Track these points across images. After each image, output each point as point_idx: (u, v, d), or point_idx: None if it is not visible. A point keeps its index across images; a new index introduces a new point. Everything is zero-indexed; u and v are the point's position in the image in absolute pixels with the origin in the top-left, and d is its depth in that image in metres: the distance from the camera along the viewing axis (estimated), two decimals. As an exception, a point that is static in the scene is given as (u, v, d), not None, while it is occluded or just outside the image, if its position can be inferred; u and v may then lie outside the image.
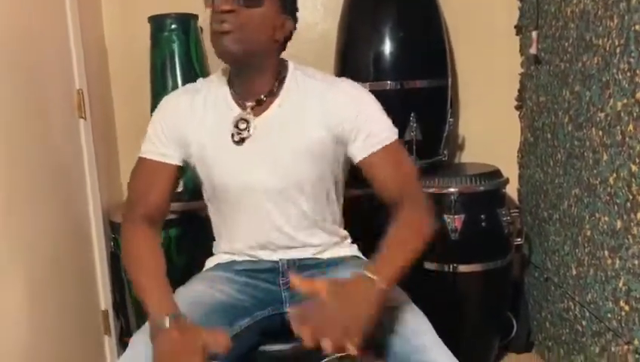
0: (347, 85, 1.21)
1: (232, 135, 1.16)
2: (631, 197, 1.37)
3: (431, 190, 1.80)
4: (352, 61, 1.88)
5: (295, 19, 1.20)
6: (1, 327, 1.29)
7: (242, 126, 1.16)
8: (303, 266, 1.23)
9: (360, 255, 1.30)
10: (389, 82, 1.78)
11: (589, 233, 1.60)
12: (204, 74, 1.86)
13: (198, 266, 1.32)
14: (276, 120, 1.17)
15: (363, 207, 1.74)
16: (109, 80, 2.11)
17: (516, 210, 1.97)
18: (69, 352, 1.61)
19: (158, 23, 1.86)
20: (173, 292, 1.10)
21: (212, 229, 1.31)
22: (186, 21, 1.86)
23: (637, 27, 1.32)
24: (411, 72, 1.79)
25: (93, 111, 1.83)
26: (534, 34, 1.90)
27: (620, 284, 1.43)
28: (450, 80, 1.90)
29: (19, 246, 1.38)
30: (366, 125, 1.15)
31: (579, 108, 1.64)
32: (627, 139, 1.38)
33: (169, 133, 1.18)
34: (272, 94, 1.18)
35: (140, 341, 1.02)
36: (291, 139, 1.16)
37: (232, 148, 1.16)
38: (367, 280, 0.96)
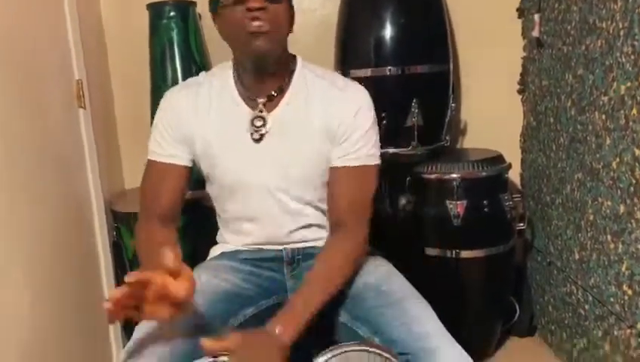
0: (354, 93, 1.19)
1: (251, 133, 1.15)
2: (634, 181, 1.36)
3: (433, 176, 1.79)
4: (352, 47, 1.86)
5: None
6: (5, 318, 1.30)
7: (259, 123, 1.15)
8: (307, 255, 1.23)
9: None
10: (390, 68, 1.77)
11: (591, 217, 1.59)
12: (204, 61, 1.85)
13: (203, 254, 1.33)
14: (285, 118, 1.16)
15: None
16: (108, 69, 2.10)
17: (519, 195, 1.96)
18: (74, 341, 1.62)
19: (156, 10, 1.85)
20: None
21: (216, 218, 1.31)
22: (185, 8, 1.85)
23: (641, 9, 1.31)
24: (412, 57, 1.78)
25: (93, 100, 1.82)
26: (537, 17, 1.88)
27: (623, 268, 1.43)
28: (451, 65, 1.88)
29: (21, 238, 1.38)
30: (354, 138, 1.14)
31: (582, 92, 1.63)
32: (631, 123, 1.37)
33: (173, 134, 1.18)
34: (282, 91, 1.17)
35: (145, 328, 1.02)
36: (298, 138, 1.15)
37: (244, 146, 1.16)
38: (271, 339, 0.95)
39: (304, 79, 1.18)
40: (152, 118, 1.25)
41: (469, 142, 2.13)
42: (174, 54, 1.84)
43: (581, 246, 1.67)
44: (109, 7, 2.06)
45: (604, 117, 1.50)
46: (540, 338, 2.03)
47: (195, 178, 1.26)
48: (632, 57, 1.35)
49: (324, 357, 0.94)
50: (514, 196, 1.88)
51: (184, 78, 1.72)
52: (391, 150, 1.76)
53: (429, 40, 1.84)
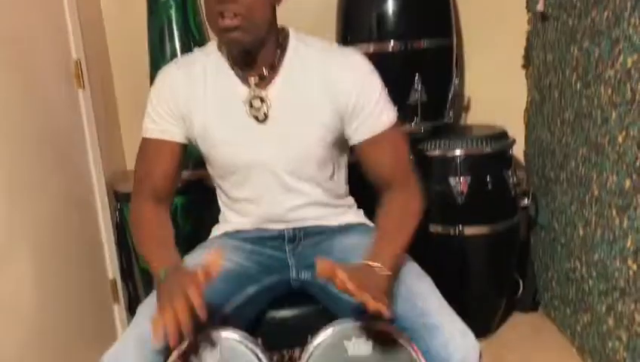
0: (351, 58, 1.15)
1: (248, 113, 1.13)
2: (640, 155, 1.35)
3: (436, 153, 1.78)
4: (354, 21, 1.83)
5: None
6: (11, 300, 1.31)
7: (255, 102, 1.13)
8: (308, 233, 1.23)
9: (366, 221, 1.29)
10: (392, 42, 1.74)
11: (596, 193, 1.58)
12: (203, 39, 1.83)
13: (205, 233, 1.32)
14: (281, 95, 1.14)
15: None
16: (107, 49, 2.08)
17: (523, 171, 1.95)
18: (79, 321, 1.63)
19: (154, -12, 1.81)
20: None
21: (217, 198, 1.30)
22: (183, -15, 1.81)
23: (649, -21, 1.28)
24: (415, 32, 1.75)
25: (92, 81, 1.81)
26: (541, -11, 1.84)
27: (628, 244, 1.42)
28: (455, 39, 1.86)
29: (23, 220, 1.38)
30: (366, 106, 1.12)
31: (587, 66, 1.60)
32: (637, 96, 1.35)
33: (168, 110, 1.15)
34: (274, 68, 1.14)
35: (149, 303, 1.02)
36: (298, 114, 1.13)
37: (242, 126, 1.14)
38: (374, 270, 0.97)
39: (298, 53, 1.15)
40: (152, 97, 1.23)
41: (472, 118, 2.11)
42: (173, 33, 1.81)
43: (585, 222, 1.66)
44: (107, -15, 2.03)
45: (610, 91, 1.48)
46: (544, 313, 2.04)
47: (196, 157, 1.25)
48: (640, 29, 1.33)
49: (326, 333, 0.94)
50: (518, 172, 1.87)
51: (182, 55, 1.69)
52: (394, 127, 1.75)
53: (432, 14, 1.81)
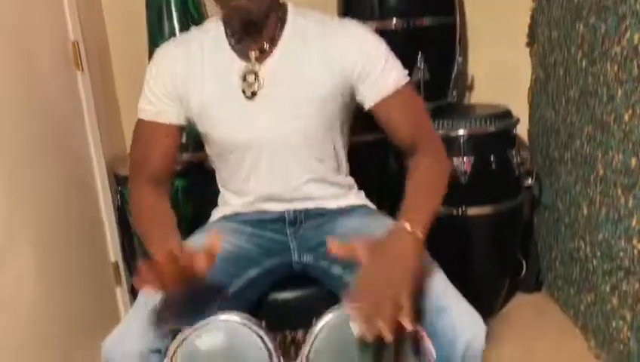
0: (349, 26, 1.14)
1: (243, 90, 1.11)
2: (647, 133, 1.33)
3: (439, 132, 1.76)
4: (356, -1, 1.80)
5: None
6: (12, 285, 1.30)
7: (251, 79, 1.11)
8: (309, 215, 1.21)
9: (368, 203, 1.28)
10: (394, 20, 1.71)
11: (601, 172, 1.57)
12: (201, 18, 1.80)
13: (205, 216, 1.31)
14: (279, 69, 1.12)
15: (371, 154, 1.72)
16: (105, 30, 2.05)
17: (527, 151, 1.93)
18: (82, 305, 1.63)
19: (151, -34, 1.78)
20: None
21: (217, 180, 1.29)
22: (181, -37, 1.78)
23: (658, -48, 1.25)
24: (418, 10, 1.72)
25: (90, 62, 1.78)
26: (547, -36, 1.81)
27: (634, 223, 1.41)
28: (458, 17, 1.83)
29: (24, 205, 1.37)
30: (374, 69, 1.10)
31: (593, 43, 1.57)
32: (644, 73, 1.33)
33: (165, 91, 1.13)
34: (274, 42, 1.13)
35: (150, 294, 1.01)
36: (296, 89, 1.11)
37: (239, 102, 1.12)
38: (403, 233, 0.93)
39: (297, 27, 1.14)
40: (151, 78, 1.20)
41: (476, 97, 2.09)
42: (172, 12, 1.78)
43: (590, 201, 1.65)
44: (103, -37, 1.99)
45: (616, 68, 1.45)
46: (547, 293, 2.03)
47: (196, 140, 1.23)
48: (648, 4, 1.30)
49: (332, 315, 0.93)
50: (522, 152, 1.85)
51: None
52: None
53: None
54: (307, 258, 1.20)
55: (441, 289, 1.00)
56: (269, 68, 1.12)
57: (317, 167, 1.18)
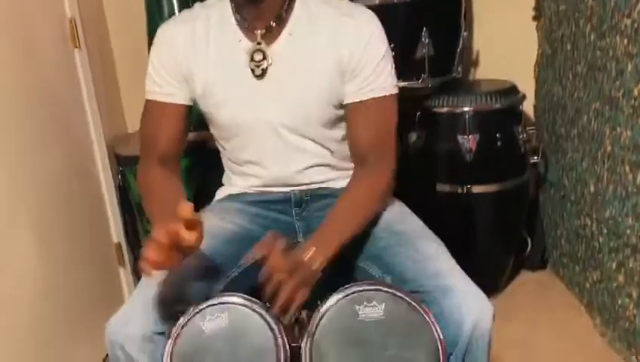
0: (363, 20, 1.10)
1: (252, 70, 1.08)
2: (657, 109, 1.30)
3: (444, 109, 1.74)
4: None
5: None
6: (16, 267, 1.30)
7: (258, 57, 1.08)
8: (315, 196, 1.20)
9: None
10: (399, -6, 1.67)
11: (609, 148, 1.54)
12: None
13: (209, 196, 1.30)
14: (287, 50, 1.09)
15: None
16: (102, 6, 2.01)
17: (533, 127, 1.91)
18: (86, 286, 1.63)
19: (148, -60, 1.74)
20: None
21: (222, 160, 1.27)
22: (179, -64, 1.74)
23: None
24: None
25: (88, 40, 1.75)
26: None
27: (642, 200, 1.39)
28: (463, -10, 1.78)
29: (25, 186, 1.36)
30: (366, 69, 1.08)
31: (602, 16, 1.53)
32: (656, 46, 1.29)
33: (170, 70, 1.11)
34: (281, 20, 1.09)
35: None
36: (303, 71, 1.09)
37: (247, 82, 1.09)
38: (305, 261, 0.96)
39: (306, 6, 1.10)
40: (151, 55, 1.18)
41: (481, 72, 2.05)
42: (170, -13, 1.75)
43: (597, 178, 1.63)
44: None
45: (625, 41, 1.42)
46: (552, 271, 2.03)
47: (200, 119, 1.21)
48: (660, -26, 1.26)
49: (337, 297, 0.93)
50: (528, 128, 1.83)
51: (181, 11, 1.64)
52: (400, 84, 1.69)
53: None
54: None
55: (447, 269, 1.00)
56: (277, 48, 1.09)
57: (324, 152, 1.16)
